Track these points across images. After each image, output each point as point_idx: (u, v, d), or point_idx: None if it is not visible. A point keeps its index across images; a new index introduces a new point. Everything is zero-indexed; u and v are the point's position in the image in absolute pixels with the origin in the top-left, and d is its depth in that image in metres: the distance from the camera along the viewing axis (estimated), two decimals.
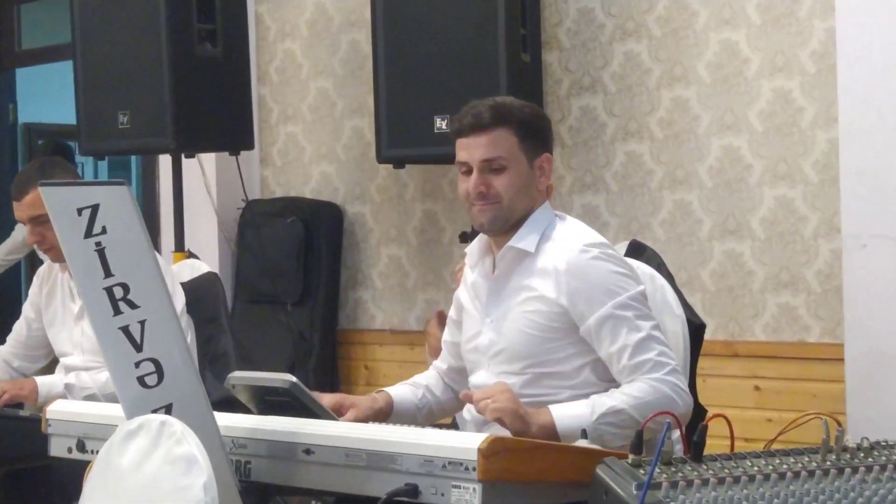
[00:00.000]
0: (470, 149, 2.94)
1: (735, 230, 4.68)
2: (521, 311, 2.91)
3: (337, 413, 2.86)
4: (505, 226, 2.96)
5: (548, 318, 2.87)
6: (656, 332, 2.85)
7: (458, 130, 2.97)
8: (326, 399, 2.87)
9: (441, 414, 3.22)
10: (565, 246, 2.90)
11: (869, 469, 2.23)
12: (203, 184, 5.84)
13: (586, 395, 2.83)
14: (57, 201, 2.47)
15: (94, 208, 2.44)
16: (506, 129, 2.93)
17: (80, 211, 2.44)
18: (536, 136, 2.96)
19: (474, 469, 2.21)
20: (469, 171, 2.95)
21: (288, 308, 5.70)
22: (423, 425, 2.95)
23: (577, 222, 3.01)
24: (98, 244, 2.44)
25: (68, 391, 3.86)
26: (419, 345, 5.04)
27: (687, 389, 2.86)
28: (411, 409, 3.13)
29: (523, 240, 2.94)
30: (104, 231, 2.44)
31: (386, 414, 3.06)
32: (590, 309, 2.84)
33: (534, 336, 2.89)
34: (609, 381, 2.88)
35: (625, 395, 2.79)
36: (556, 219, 3.00)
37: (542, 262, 2.91)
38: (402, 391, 3.15)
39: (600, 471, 2.19)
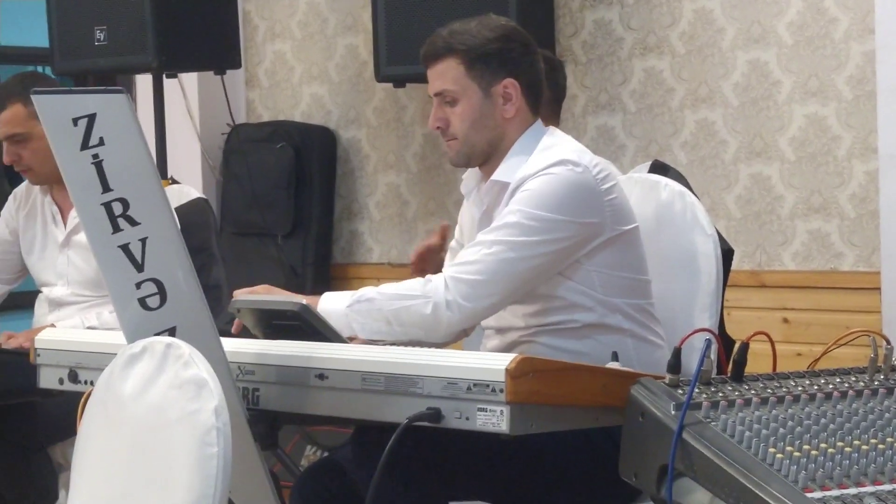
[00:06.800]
0: (429, 81, 3.03)
1: (762, 151, 4.73)
2: None
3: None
4: (471, 161, 3.02)
5: None
6: (518, 261, 2.79)
7: (420, 60, 3.05)
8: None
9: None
10: (532, 166, 2.90)
11: None
12: (185, 107, 5.86)
13: (615, 320, 2.89)
14: (50, 111, 2.51)
15: (91, 118, 2.47)
16: (451, 58, 2.97)
17: (75, 121, 2.48)
18: (490, 60, 2.96)
19: (502, 391, 2.26)
20: None
21: (278, 241, 5.74)
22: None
23: (564, 142, 2.99)
24: (95, 157, 2.48)
25: None
26: None
27: (466, 314, 2.79)
28: None
29: (503, 171, 2.97)
30: (101, 143, 2.48)
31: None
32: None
33: None
34: (623, 297, 2.90)
35: (389, 287, 2.83)
36: (545, 139, 2.99)
37: (512, 189, 2.92)
38: None
39: (636, 392, 2.25)
